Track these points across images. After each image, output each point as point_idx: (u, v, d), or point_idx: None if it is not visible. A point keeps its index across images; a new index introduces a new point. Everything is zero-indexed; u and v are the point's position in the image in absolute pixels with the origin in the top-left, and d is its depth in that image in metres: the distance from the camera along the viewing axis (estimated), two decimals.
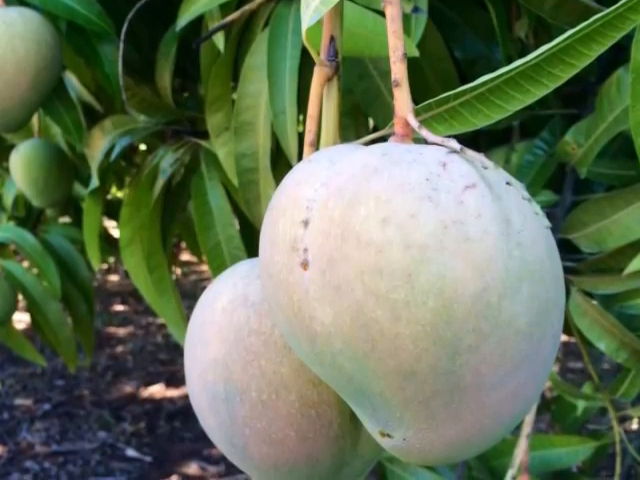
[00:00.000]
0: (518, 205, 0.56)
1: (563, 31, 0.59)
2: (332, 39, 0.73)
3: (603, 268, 1.42)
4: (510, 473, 1.48)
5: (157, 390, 5.80)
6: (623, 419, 1.76)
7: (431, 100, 0.65)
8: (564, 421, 1.92)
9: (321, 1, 0.62)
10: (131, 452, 4.83)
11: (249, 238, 1.66)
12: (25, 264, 2.45)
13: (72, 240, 2.21)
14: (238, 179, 1.37)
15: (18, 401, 5.54)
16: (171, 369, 6.20)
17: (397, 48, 0.62)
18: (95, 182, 1.77)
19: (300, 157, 0.74)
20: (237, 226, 1.69)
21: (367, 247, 0.53)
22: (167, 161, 1.70)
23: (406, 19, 1.11)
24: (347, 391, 0.60)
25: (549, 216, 0.65)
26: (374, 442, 0.65)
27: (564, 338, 1.93)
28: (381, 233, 0.52)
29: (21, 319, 5.21)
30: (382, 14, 1.01)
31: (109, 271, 8.79)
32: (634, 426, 3.06)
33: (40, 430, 5.09)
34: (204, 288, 0.84)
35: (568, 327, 1.49)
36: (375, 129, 1.42)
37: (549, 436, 1.72)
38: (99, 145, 1.73)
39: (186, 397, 5.07)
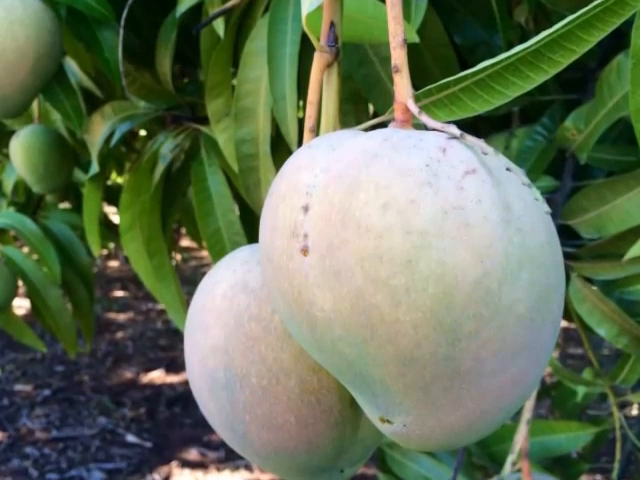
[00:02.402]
0: (518, 191, 0.55)
1: (563, 17, 0.59)
2: (332, 25, 0.72)
3: (603, 254, 1.43)
4: (510, 459, 1.49)
5: (157, 376, 5.82)
6: (623, 405, 1.76)
7: (431, 86, 0.65)
8: (564, 407, 1.93)
9: None
10: (131, 438, 4.84)
11: (249, 224, 1.66)
12: (25, 250, 2.45)
13: (72, 226, 2.21)
14: (238, 165, 1.37)
15: (18, 387, 5.55)
16: (171, 355, 6.22)
17: (397, 34, 0.62)
18: (95, 168, 1.76)
19: (300, 143, 0.74)
20: (237, 212, 1.68)
21: (367, 233, 0.52)
22: (167, 147, 1.70)
23: (406, 5, 1.11)
24: (347, 377, 0.60)
25: (549, 202, 0.65)
26: (374, 428, 0.65)
27: (564, 324, 1.93)
28: (381, 219, 0.52)
29: (21, 305, 5.23)
30: (382, 0, 1.01)
31: (109, 257, 8.80)
32: (634, 412, 3.07)
33: (40, 416, 5.11)
34: (204, 274, 0.84)
35: (568, 313, 1.49)
36: (375, 115, 1.42)
37: (549, 422, 1.72)
38: (99, 131, 1.73)
39: (186, 383, 5.09)
